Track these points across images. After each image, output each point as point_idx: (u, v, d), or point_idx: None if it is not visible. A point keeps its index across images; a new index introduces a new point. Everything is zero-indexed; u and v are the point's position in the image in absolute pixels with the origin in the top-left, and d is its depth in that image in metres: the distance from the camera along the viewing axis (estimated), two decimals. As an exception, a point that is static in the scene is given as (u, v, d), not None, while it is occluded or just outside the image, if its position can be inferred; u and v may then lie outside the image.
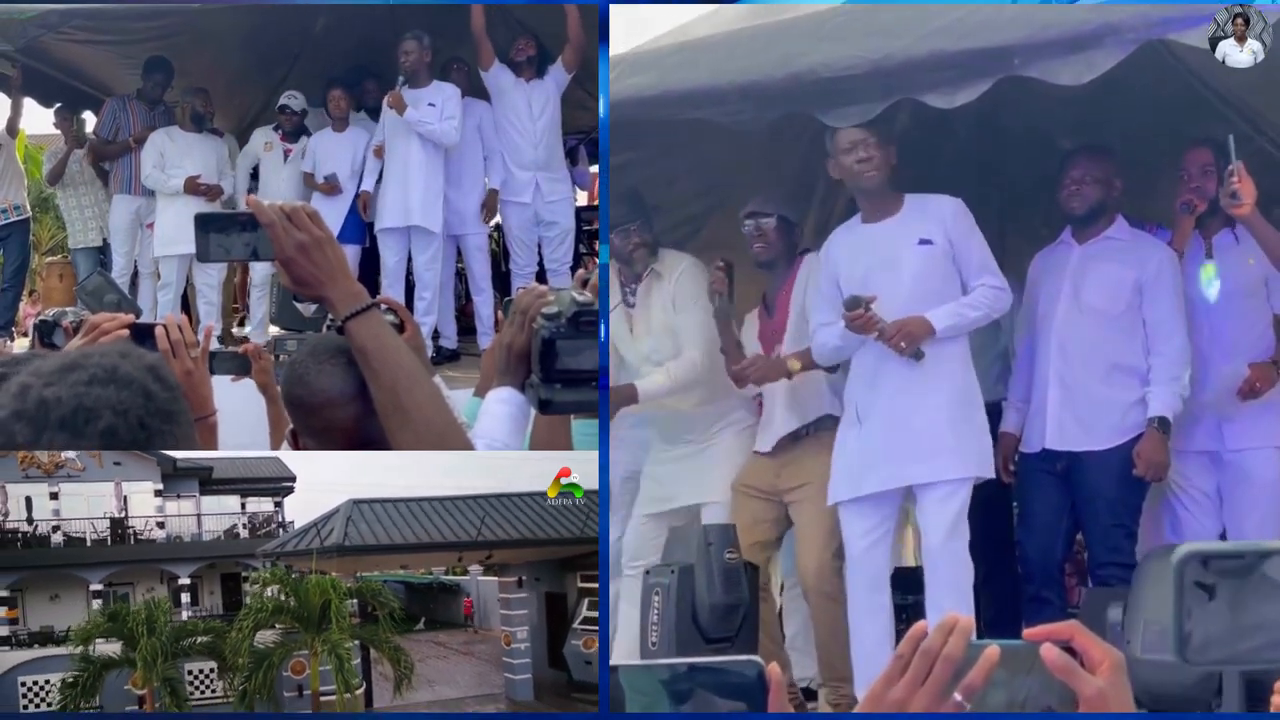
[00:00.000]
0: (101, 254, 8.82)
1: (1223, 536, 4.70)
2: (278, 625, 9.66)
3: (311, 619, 9.16)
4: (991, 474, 4.65)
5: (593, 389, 2.07)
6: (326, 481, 9.83)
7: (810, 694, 5.42)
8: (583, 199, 9.11)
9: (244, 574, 9.60)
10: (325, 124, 8.45)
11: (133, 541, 9.14)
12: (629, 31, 5.04)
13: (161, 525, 8.84)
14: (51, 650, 10.34)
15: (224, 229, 2.10)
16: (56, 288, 9.36)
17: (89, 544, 9.05)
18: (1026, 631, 1.29)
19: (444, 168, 7.90)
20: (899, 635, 4.52)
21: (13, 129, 8.83)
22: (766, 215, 4.99)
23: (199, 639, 9.72)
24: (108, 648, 9.67)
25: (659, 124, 4.74)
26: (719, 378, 5.13)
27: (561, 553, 10.60)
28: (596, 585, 9.97)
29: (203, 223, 2.12)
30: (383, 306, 2.34)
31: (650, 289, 5.30)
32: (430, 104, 7.72)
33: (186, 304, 8.64)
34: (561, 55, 7.68)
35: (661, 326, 5.27)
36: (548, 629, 11.06)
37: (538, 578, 10.87)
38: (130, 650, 9.49)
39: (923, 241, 4.55)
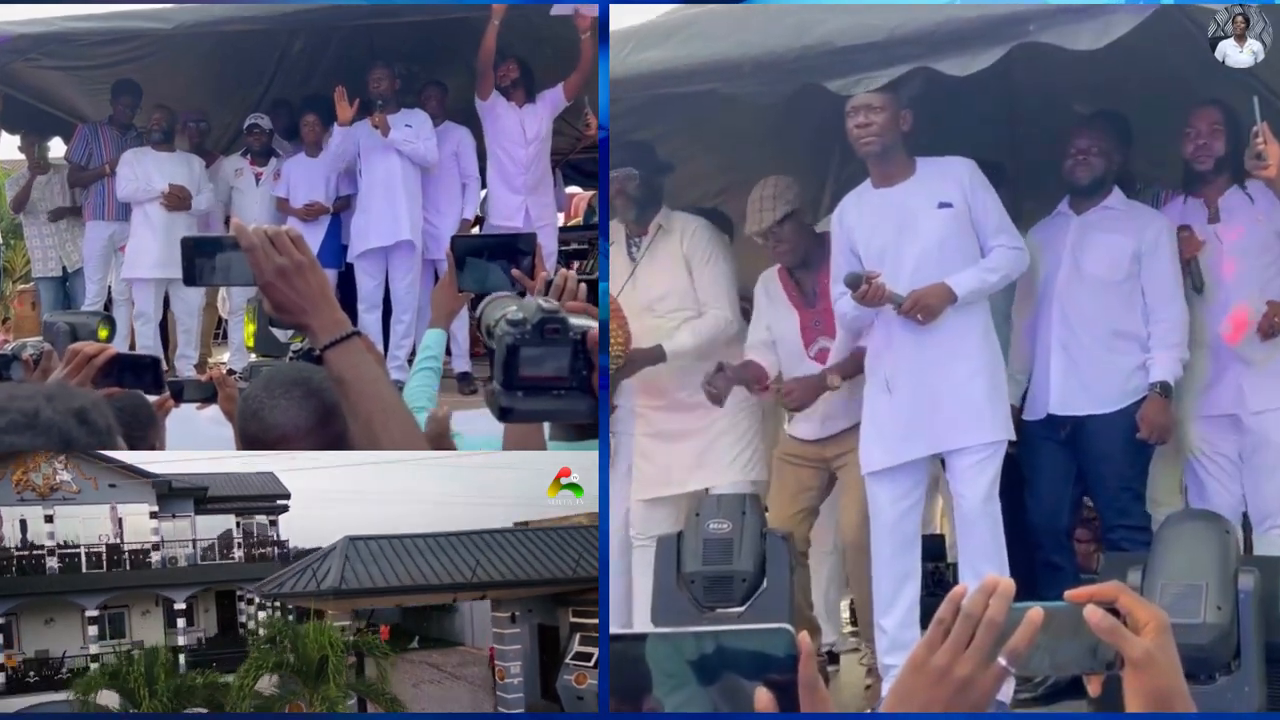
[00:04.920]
0: (65, 283, 8.43)
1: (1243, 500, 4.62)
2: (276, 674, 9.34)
3: (309, 673, 8.85)
4: (1014, 436, 4.51)
5: (555, 398, 1.91)
6: (320, 490, 9.51)
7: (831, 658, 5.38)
8: (559, 220, 8.90)
9: (239, 593, 9.24)
10: (297, 149, 8.18)
11: (128, 565, 8.76)
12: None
13: (157, 547, 8.50)
14: (50, 696, 9.88)
15: (210, 253, 2.00)
16: (28, 316, 8.97)
17: (84, 568, 8.67)
18: (1069, 594, 1.24)
19: (421, 189, 7.66)
20: (923, 603, 4.46)
21: (-11, 158, 8.49)
22: (768, 228, 4.80)
23: (199, 682, 9.34)
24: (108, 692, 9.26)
25: (672, 99, 4.53)
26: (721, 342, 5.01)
27: (556, 590, 10.34)
28: (587, 620, 9.70)
29: (188, 246, 2.03)
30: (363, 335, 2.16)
31: (657, 245, 5.07)
32: (407, 125, 7.52)
33: (165, 331, 8.30)
34: (565, 81, 7.43)
35: (673, 285, 5.06)
36: (540, 662, 10.78)
37: (530, 609, 10.60)
38: (131, 705, 9.12)
39: (942, 205, 4.37)
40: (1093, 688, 1.28)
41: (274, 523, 9.09)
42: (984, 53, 4.07)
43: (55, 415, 1.60)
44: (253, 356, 7.93)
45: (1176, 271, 4.58)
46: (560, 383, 1.90)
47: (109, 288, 8.27)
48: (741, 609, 4.52)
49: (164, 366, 3.26)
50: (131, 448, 3.03)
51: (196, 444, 4.91)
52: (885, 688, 4.51)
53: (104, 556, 8.32)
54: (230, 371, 5.55)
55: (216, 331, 9.19)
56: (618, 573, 5.25)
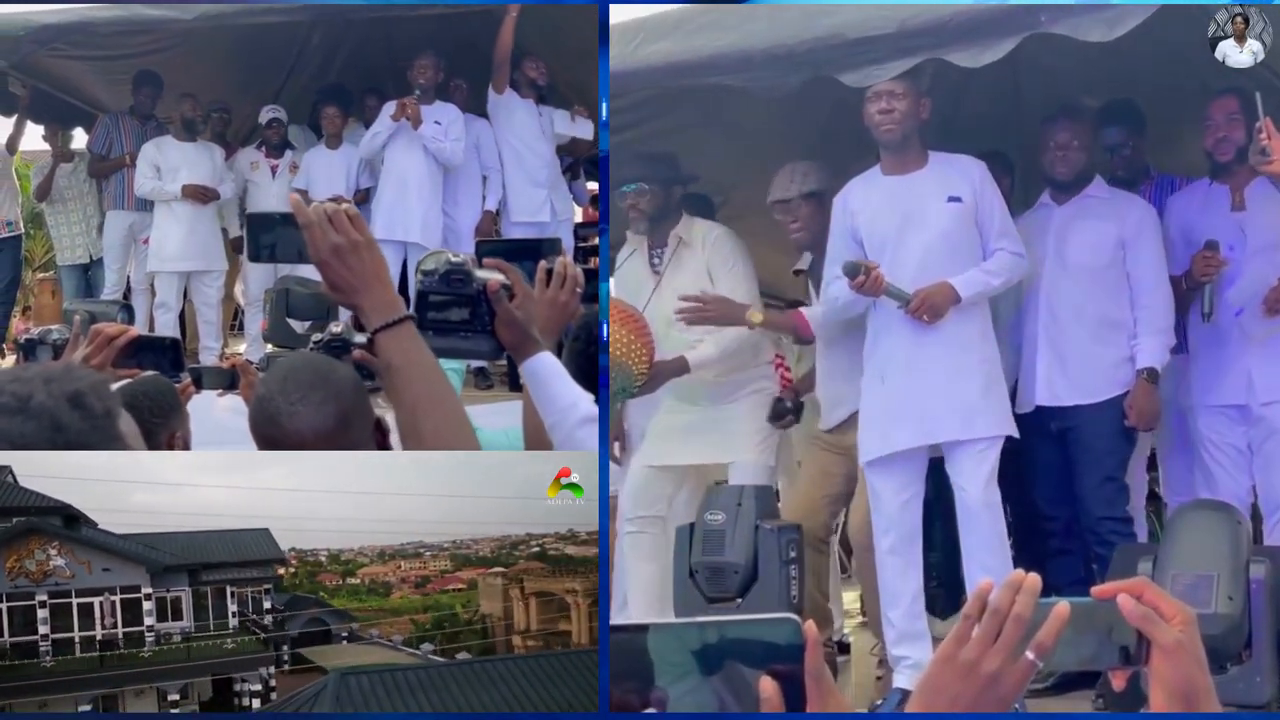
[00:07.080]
0: (87, 271, 8.50)
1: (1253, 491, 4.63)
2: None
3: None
4: (1014, 432, 4.48)
5: (461, 338, 2.17)
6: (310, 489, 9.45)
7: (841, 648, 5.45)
8: (579, 215, 8.93)
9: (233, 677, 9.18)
10: (316, 142, 8.22)
11: (121, 645, 8.68)
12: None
13: (151, 629, 8.47)
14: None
15: (270, 229, 2.05)
16: (49, 304, 9.04)
17: (77, 654, 8.59)
18: (1095, 589, 1.26)
19: (442, 186, 7.71)
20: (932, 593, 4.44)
21: (13, 147, 8.53)
22: (791, 199, 4.85)
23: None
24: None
25: (679, 92, 4.52)
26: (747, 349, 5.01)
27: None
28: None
29: (251, 223, 2.10)
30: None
31: (681, 257, 5.06)
32: (436, 121, 7.55)
33: (181, 322, 8.34)
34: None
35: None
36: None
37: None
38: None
39: (952, 199, 4.39)
40: (1117, 682, 1.31)
41: (267, 591, 9.09)
42: (995, 44, 4.07)
43: (49, 400, 1.59)
44: (269, 347, 7.93)
45: (1161, 256, 4.59)
46: (464, 325, 2.16)
47: (128, 277, 8.32)
48: (738, 601, 4.54)
49: (183, 348, 3.28)
50: (151, 436, 2.99)
51: (215, 434, 4.91)
52: (895, 679, 4.53)
53: (96, 641, 8.28)
54: (248, 362, 5.56)
55: (232, 323, 9.22)
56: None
